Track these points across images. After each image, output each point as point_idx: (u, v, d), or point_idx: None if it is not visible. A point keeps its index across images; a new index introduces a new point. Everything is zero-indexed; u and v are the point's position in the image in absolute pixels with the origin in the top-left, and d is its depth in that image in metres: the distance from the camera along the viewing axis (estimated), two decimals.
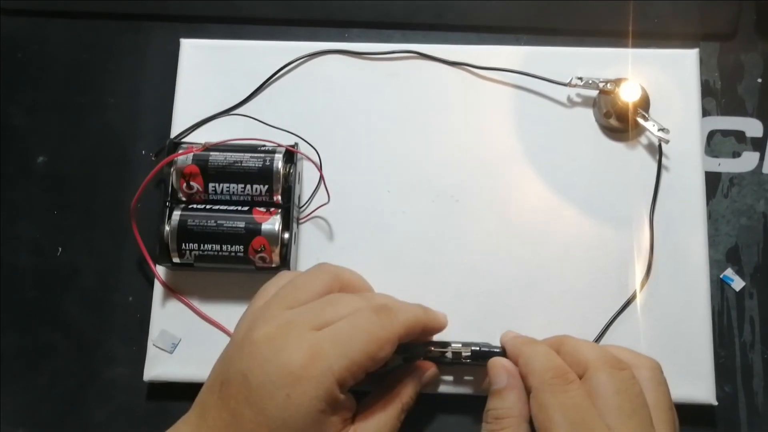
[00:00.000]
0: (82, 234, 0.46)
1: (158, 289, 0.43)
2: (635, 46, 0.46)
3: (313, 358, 0.32)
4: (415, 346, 0.39)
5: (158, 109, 0.47)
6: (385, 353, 0.34)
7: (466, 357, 0.38)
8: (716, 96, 0.46)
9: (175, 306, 0.43)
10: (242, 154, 0.42)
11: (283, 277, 0.38)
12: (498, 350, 0.38)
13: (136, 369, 0.43)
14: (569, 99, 0.45)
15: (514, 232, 0.43)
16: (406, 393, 0.37)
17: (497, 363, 0.37)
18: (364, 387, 0.35)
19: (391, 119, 0.45)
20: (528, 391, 0.35)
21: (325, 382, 0.32)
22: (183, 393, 0.42)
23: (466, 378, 0.41)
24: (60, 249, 0.46)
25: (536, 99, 0.45)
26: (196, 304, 0.43)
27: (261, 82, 0.46)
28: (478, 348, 0.38)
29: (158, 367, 0.42)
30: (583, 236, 0.43)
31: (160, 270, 0.43)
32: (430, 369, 0.39)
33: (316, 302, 0.35)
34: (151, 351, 0.43)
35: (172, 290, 0.43)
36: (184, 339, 0.43)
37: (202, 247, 0.41)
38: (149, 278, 0.44)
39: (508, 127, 0.45)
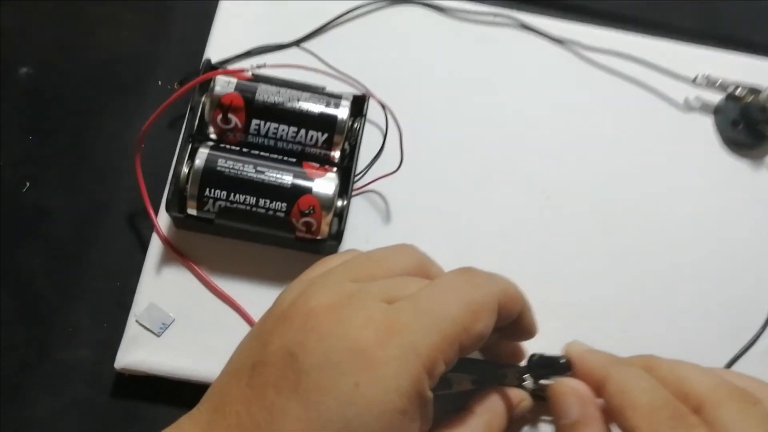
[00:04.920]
0: (61, 168, 0.37)
1: (155, 250, 0.34)
2: None
3: (389, 332, 0.23)
4: (487, 365, 0.31)
5: (189, 35, 0.39)
6: (483, 325, 0.25)
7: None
8: None
9: (174, 275, 0.33)
10: (301, 92, 0.33)
11: (352, 252, 0.29)
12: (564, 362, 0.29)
13: (105, 352, 0.33)
14: (687, 102, 0.39)
15: (615, 241, 0.36)
16: (496, 421, 0.28)
17: (564, 388, 0.28)
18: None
19: (475, 91, 0.39)
20: (623, 428, 0.26)
21: (408, 366, 0.23)
22: (162, 392, 0.33)
23: None
24: (28, 184, 0.36)
25: (650, 96, 0.39)
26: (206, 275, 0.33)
27: (325, 21, 0.38)
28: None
29: (137, 351, 0.32)
30: (704, 248, 0.36)
31: (162, 223, 0.33)
32: (525, 399, 0.30)
33: (388, 279, 0.27)
34: (132, 329, 0.32)
35: (178, 252, 0.33)
36: (178, 320, 0.33)
37: (231, 197, 0.31)
38: (141, 235, 0.35)
39: (614, 123, 0.38)
